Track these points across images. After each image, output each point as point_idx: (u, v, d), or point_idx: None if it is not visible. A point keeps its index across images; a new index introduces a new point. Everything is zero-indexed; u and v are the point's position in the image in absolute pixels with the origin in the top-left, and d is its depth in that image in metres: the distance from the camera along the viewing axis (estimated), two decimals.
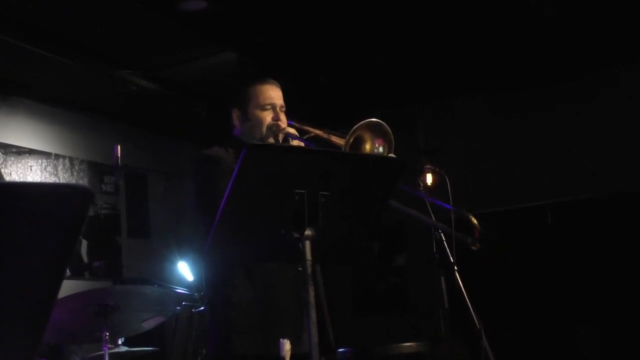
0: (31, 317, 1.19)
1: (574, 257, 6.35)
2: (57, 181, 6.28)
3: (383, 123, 2.56)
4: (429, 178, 3.27)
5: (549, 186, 6.59)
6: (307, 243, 2.20)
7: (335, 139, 2.65)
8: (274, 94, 2.98)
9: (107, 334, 3.57)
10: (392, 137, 2.55)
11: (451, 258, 2.61)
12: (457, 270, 2.62)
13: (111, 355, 3.72)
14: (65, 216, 1.11)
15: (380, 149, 2.57)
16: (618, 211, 6.29)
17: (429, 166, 3.08)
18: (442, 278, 2.62)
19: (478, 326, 2.49)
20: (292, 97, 3.06)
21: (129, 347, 4.18)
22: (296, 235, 2.19)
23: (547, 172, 6.64)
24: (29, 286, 1.17)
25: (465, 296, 2.55)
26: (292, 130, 2.88)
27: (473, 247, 2.70)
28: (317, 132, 2.77)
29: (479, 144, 6.95)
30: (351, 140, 2.54)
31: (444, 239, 2.63)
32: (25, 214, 1.09)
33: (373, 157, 2.51)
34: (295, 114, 3.03)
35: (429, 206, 2.74)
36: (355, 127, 2.53)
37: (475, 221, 2.69)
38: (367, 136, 2.58)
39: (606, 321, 6.03)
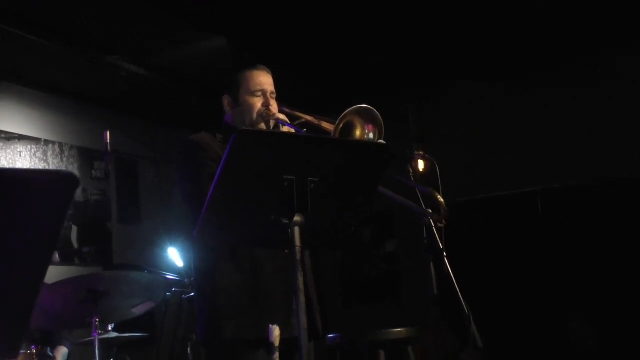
0: (15, 306, 1.18)
1: (564, 244, 6.37)
2: (47, 167, 6.27)
3: (373, 109, 2.56)
4: (420, 165, 3.28)
5: (540, 172, 6.60)
6: (297, 229, 2.20)
7: (325, 124, 2.65)
8: (264, 80, 2.97)
9: (97, 319, 3.58)
10: (382, 122, 2.55)
11: (440, 244, 2.62)
12: (447, 257, 2.63)
13: (101, 341, 3.73)
14: (51, 202, 1.11)
15: (371, 135, 2.57)
16: (609, 198, 6.31)
17: (420, 153, 3.08)
18: (432, 264, 2.63)
19: (467, 312, 2.50)
20: (281, 83, 3.05)
21: (119, 333, 4.19)
22: (285, 221, 2.19)
23: (538, 158, 6.64)
24: (13, 273, 1.16)
25: (454, 282, 2.56)
26: (282, 117, 2.88)
27: (440, 225, 2.72)
28: (308, 118, 2.76)
29: (469, 130, 6.95)
30: (341, 125, 2.54)
31: (433, 225, 2.64)
32: (8, 200, 1.08)
33: (362, 143, 2.51)
34: (284, 101, 3.02)
35: (419, 193, 2.75)
36: (344, 112, 2.53)
37: (441, 199, 2.71)
38: (357, 122, 2.58)
39: (598, 309, 6.05)
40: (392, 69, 6.60)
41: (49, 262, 1.19)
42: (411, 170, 2.85)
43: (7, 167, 5.90)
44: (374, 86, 6.67)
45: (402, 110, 6.91)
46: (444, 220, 2.65)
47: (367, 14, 5.55)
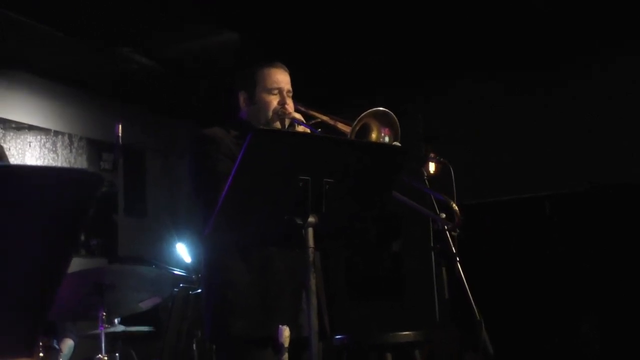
0: (33, 303, 1.18)
1: (572, 248, 6.34)
2: (56, 157, 6.27)
3: (390, 112, 2.54)
4: (432, 167, 3.27)
5: (549, 177, 6.56)
6: (310, 230, 2.19)
7: (341, 125, 2.62)
8: (281, 77, 2.93)
9: (104, 313, 3.57)
10: (398, 127, 2.53)
11: (453, 249, 2.61)
12: (459, 261, 2.61)
13: (107, 334, 3.72)
14: (74, 200, 1.09)
15: (387, 139, 2.55)
16: (617, 203, 6.27)
17: (432, 155, 3.07)
18: (444, 269, 2.62)
19: (479, 318, 2.48)
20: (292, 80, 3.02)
21: (125, 326, 4.18)
22: (299, 222, 2.18)
23: (539, 160, 6.60)
24: (34, 270, 1.15)
25: (467, 287, 2.55)
26: (298, 116, 2.84)
27: (453, 233, 2.71)
28: (324, 117, 2.74)
29: (470, 132, 6.90)
30: (357, 127, 2.52)
31: (446, 229, 2.62)
32: (33, 197, 1.07)
33: (378, 145, 2.49)
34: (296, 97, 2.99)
35: (433, 199, 2.74)
36: (361, 115, 2.50)
37: (455, 207, 2.69)
38: (373, 125, 2.56)
39: (608, 312, 6.01)
40: (393, 69, 6.57)
41: (69, 258, 1.18)
42: (425, 173, 2.84)
43: (22, 161, 5.92)
44: (373, 86, 6.65)
45: (401, 110, 6.85)
46: (457, 229, 2.63)
47: (368, 14, 5.54)
